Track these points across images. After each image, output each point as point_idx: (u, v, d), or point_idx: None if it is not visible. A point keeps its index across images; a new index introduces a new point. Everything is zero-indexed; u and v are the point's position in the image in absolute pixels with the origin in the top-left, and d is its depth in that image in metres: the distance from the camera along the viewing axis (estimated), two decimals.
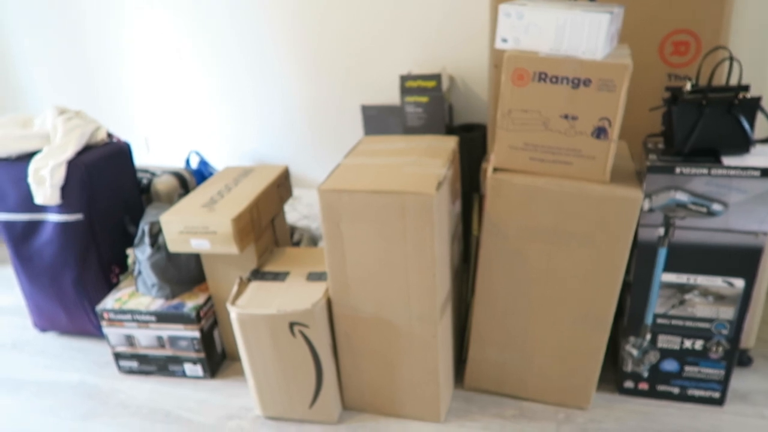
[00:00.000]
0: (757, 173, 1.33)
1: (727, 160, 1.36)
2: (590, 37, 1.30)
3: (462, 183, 2.00)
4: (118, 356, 1.95)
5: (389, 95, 2.35)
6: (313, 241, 2.28)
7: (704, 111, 1.36)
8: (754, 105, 1.35)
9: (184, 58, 2.60)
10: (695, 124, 1.37)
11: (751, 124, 1.37)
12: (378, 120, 2.29)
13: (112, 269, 2.05)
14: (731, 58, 1.41)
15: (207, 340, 1.88)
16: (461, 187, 1.92)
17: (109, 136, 2.08)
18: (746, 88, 1.36)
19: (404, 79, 2.07)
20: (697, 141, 1.38)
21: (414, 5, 2.18)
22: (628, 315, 1.59)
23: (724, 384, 1.60)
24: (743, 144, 1.37)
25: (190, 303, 1.84)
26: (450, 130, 2.18)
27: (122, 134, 2.89)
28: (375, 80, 2.36)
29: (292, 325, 1.53)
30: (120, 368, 1.97)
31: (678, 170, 1.38)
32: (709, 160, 1.37)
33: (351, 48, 2.34)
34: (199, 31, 2.51)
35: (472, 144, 2.13)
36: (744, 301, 1.48)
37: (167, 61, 2.64)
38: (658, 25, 1.84)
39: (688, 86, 1.39)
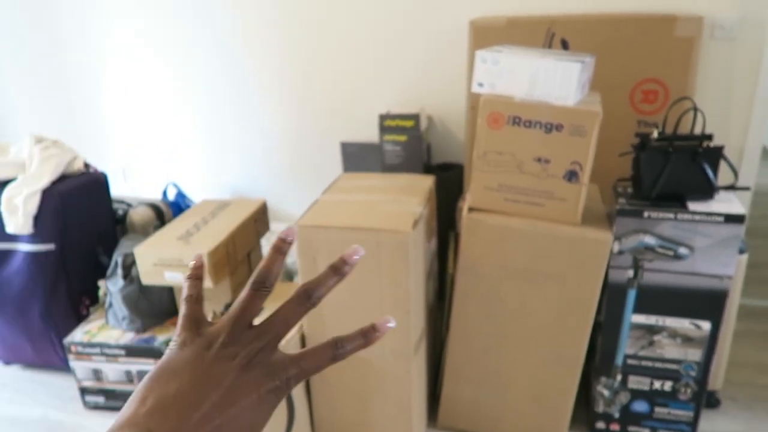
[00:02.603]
0: (721, 219, 1.38)
1: (693, 206, 1.41)
2: (562, 84, 1.35)
3: (438, 221, 2.02)
4: (84, 391, 1.90)
5: (369, 133, 2.39)
6: (289, 276, 2.27)
7: (670, 158, 1.41)
8: (717, 153, 1.41)
9: (165, 90, 2.61)
10: (662, 170, 1.42)
11: (715, 172, 1.42)
12: (357, 157, 2.32)
13: (82, 301, 2.02)
14: (695, 109, 1.47)
15: None
16: (438, 225, 1.94)
17: (86, 166, 2.07)
18: (710, 137, 1.42)
19: (383, 118, 2.11)
20: (663, 186, 1.43)
21: (395, 47, 2.25)
22: (600, 355, 1.61)
23: (693, 426, 1.62)
24: (707, 190, 1.43)
25: (162, 337, 1.81)
26: (428, 169, 2.22)
27: (100, 164, 2.88)
28: (355, 118, 2.40)
29: None
30: (85, 403, 1.92)
31: (646, 214, 1.42)
32: (676, 205, 1.42)
33: (333, 85, 2.38)
34: (181, 63, 2.53)
35: (449, 183, 2.17)
36: (711, 343, 1.51)
37: (148, 92, 2.66)
38: (629, 74, 1.92)
39: (655, 134, 1.45)
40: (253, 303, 0.39)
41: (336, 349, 0.39)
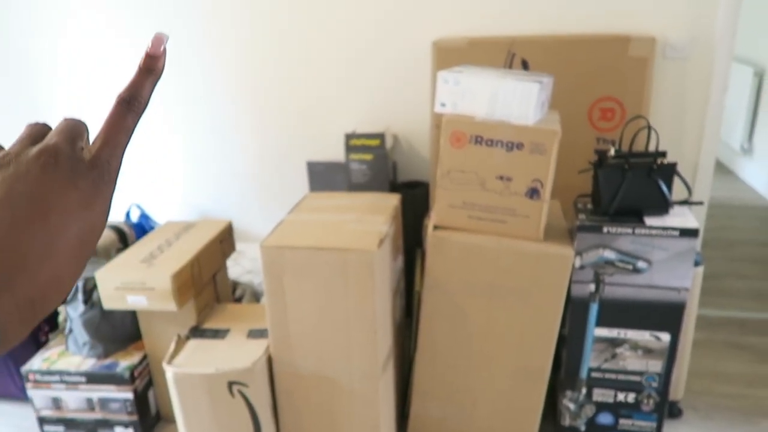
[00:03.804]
0: (677, 233, 1.42)
1: (650, 221, 1.46)
2: (522, 104, 1.38)
3: (405, 239, 2.03)
4: (42, 420, 1.83)
5: (335, 152, 2.40)
6: (256, 297, 2.25)
7: (627, 175, 1.46)
8: (670, 170, 1.46)
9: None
10: (619, 186, 1.46)
11: (669, 187, 1.47)
12: (324, 176, 2.33)
13: (41, 327, 1.96)
14: (649, 127, 1.52)
15: (141, 402, 1.80)
16: (404, 242, 1.95)
17: None
18: (663, 155, 1.47)
19: (349, 137, 2.12)
20: (621, 202, 1.47)
21: (360, 67, 2.27)
22: (565, 369, 1.63)
23: None
24: (663, 205, 1.47)
25: (124, 362, 1.77)
26: (394, 187, 2.24)
27: None
28: (321, 137, 2.41)
29: (231, 384, 1.49)
30: None
31: (605, 229, 1.46)
32: (633, 220, 1.46)
33: (298, 105, 2.39)
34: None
35: (416, 201, 2.19)
36: (671, 354, 1.55)
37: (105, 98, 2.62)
38: (587, 93, 1.98)
39: (612, 151, 1.50)
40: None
41: (129, 102, 0.34)
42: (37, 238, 0.30)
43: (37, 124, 0.35)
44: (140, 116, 0.35)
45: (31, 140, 0.33)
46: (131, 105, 0.35)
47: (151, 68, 0.36)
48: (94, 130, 0.36)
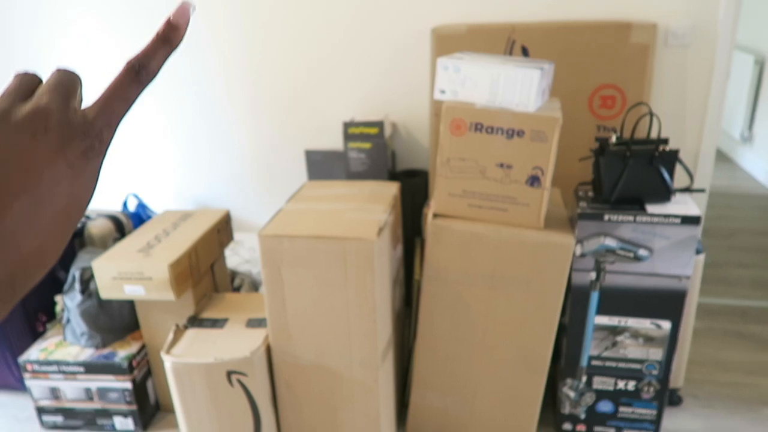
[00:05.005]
0: (678, 220, 1.41)
1: (651, 208, 1.44)
2: (522, 91, 1.37)
3: (404, 228, 2.02)
4: (41, 411, 1.83)
5: (333, 141, 2.38)
6: (254, 286, 2.24)
7: (628, 162, 1.44)
8: (672, 157, 1.45)
9: None
10: (621, 174, 1.45)
11: (671, 175, 1.46)
12: (322, 165, 2.31)
13: (38, 317, 1.95)
14: (651, 114, 1.51)
15: (139, 392, 1.79)
16: (404, 231, 1.94)
17: None
18: (665, 141, 1.45)
19: (347, 125, 2.10)
20: (622, 190, 1.46)
21: (359, 55, 2.24)
22: (565, 357, 1.63)
23: (656, 424, 1.65)
24: (664, 193, 1.46)
25: (122, 352, 1.76)
26: (393, 176, 2.22)
27: None
28: (320, 126, 2.39)
29: (229, 374, 1.49)
30: (43, 423, 1.85)
31: (606, 217, 1.45)
32: (635, 207, 1.45)
33: (297, 93, 2.36)
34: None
35: (415, 189, 2.18)
36: (671, 342, 1.55)
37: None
38: (588, 81, 1.96)
39: (614, 139, 1.48)
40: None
41: (137, 71, 0.32)
42: (22, 209, 0.28)
43: (26, 74, 0.32)
44: (145, 88, 0.33)
45: (19, 94, 0.31)
46: (139, 74, 0.32)
47: (169, 38, 0.33)
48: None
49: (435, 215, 1.50)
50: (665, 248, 1.44)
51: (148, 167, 2.64)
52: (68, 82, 0.32)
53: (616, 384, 1.62)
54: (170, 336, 1.57)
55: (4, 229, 0.28)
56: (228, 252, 2.41)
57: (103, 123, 0.31)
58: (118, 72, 0.32)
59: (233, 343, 1.54)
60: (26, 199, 0.28)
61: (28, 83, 0.32)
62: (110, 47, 2.45)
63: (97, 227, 2.14)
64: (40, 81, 0.32)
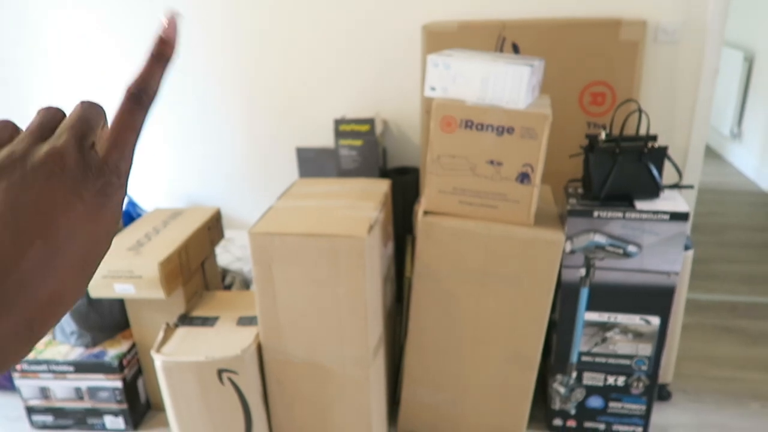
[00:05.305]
0: (667, 217, 1.42)
1: (640, 205, 1.45)
2: (512, 88, 1.37)
3: (396, 225, 2.02)
4: (30, 410, 1.82)
5: (325, 138, 2.37)
6: (246, 284, 2.23)
7: (617, 159, 1.45)
8: (661, 154, 1.46)
9: (113, 96, 2.54)
10: (610, 170, 1.46)
11: (660, 171, 1.47)
12: (313, 162, 2.31)
13: None
14: (640, 110, 1.52)
15: (130, 391, 1.79)
16: (395, 229, 1.94)
17: None
18: (654, 138, 1.46)
19: (338, 123, 2.10)
20: (612, 186, 1.46)
21: (350, 52, 2.24)
22: (555, 353, 1.63)
23: (645, 419, 1.66)
24: (653, 189, 1.47)
25: (113, 351, 1.76)
26: (384, 173, 2.22)
27: None
28: (311, 123, 2.38)
29: (220, 372, 1.48)
30: (33, 423, 1.84)
31: (596, 214, 1.45)
32: (624, 204, 1.46)
33: (287, 91, 2.36)
34: (129, 68, 2.47)
35: (406, 187, 2.18)
36: (660, 337, 1.56)
37: (96, 99, 2.58)
38: (578, 77, 1.96)
39: (603, 135, 1.49)
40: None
41: (137, 97, 0.32)
42: (38, 255, 0.28)
43: (50, 110, 0.32)
44: (149, 110, 0.32)
45: (40, 132, 0.31)
46: (141, 99, 0.32)
47: (163, 54, 0.32)
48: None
49: (425, 212, 1.50)
50: (654, 244, 1.45)
51: (139, 165, 2.63)
52: (88, 118, 0.31)
53: (605, 379, 1.63)
54: (160, 334, 1.56)
55: (20, 275, 0.27)
56: (219, 250, 2.40)
57: (118, 157, 0.31)
58: (120, 102, 0.32)
59: (224, 341, 1.54)
60: (42, 244, 0.28)
61: (50, 120, 0.32)
62: (110, 46, 2.43)
63: None
64: (64, 116, 0.32)
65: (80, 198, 0.29)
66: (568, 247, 1.50)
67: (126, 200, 2.41)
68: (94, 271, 0.31)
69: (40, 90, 2.57)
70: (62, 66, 2.51)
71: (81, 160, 0.30)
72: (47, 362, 1.73)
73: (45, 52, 2.49)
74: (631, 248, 1.47)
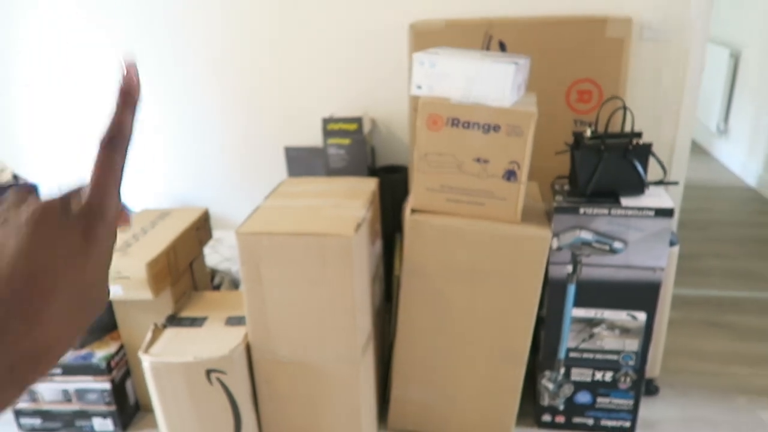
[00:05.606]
0: (652, 213, 1.43)
1: (625, 201, 1.46)
2: (498, 86, 1.37)
3: (384, 224, 2.02)
4: (18, 413, 1.80)
5: (313, 137, 2.37)
6: (234, 284, 2.23)
7: (603, 156, 1.46)
8: (646, 150, 1.47)
9: (99, 97, 2.53)
10: (596, 167, 1.47)
11: (645, 168, 1.48)
12: (302, 161, 2.30)
13: None
14: (625, 107, 1.52)
15: (119, 392, 1.78)
16: (384, 227, 1.94)
17: (15, 177, 1.98)
18: (639, 135, 1.47)
19: (326, 121, 2.10)
20: (597, 183, 1.47)
21: (337, 51, 2.24)
22: (543, 350, 1.64)
23: (633, 413, 1.67)
24: (638, 186, 1.48)
25: (101, 352, 1.75)
26: (372, 172, 2.22)
27: (31, 175, 2.75)
28: (299, 122, 2.38)
29: (209, 372, 1.48)
30: (20, 426, 1.82)
31: (582, 210, 1.46)
32: (610, 201, 1.47)
33: (275, 90, 2.35)
34: (116, 67, 2.45)
35: (395, 185, 2.18)
36: (647, 332, 1.57)
37: (81, 100, 2.56)
38: (565, 75, 1.97)
39: (588, 132, 1.50)
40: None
41: (112, 144, 0.32)
42: (22, 302, 0.27)
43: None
44: (128, 150, 0.33)
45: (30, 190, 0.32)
46: (115, 145, 0.32)
47: (128, 102, 0.33)
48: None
49: (413, 210, 1.51)
50: (640, 240, 1.46)
51: (126, 165, 2.61)
52: (72, 187, 0.33)
53: (593, 375, 1.64)
54: (148, 335, 1.55)
55: (4, 324, 0.27)
56: (207, 250, 2.39)
57: (100, 197, 0.32)
58: (95, 153, 0.32)
59: (212, 341, 1.53)
60: (26, 292, 0.28)
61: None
62: (104, 44, 2.42)
63: None
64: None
65: (64, 241, 0.29)
66: (555, 243, 1.50)
67: None
68: (86, 325, 0.31)
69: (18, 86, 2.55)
70: (41, 61, 2.49)
71: (60, 207, 0.30)
72: None
73: (24, 42, 2.47)
74: (617, 244, 1.48)
